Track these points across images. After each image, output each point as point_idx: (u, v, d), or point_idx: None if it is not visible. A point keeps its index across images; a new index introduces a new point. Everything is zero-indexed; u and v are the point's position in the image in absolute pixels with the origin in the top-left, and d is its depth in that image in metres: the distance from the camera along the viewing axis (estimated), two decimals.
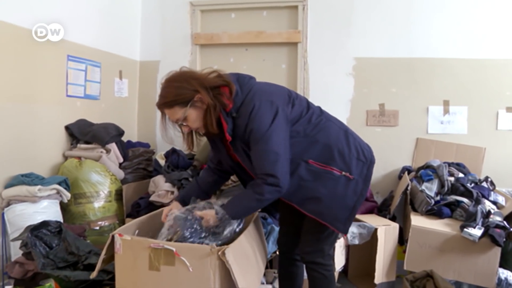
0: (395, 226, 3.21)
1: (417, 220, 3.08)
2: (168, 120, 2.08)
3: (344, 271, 3.32)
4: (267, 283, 2.92)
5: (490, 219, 2.98)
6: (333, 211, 2.07)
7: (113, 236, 2.06)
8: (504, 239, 2.87)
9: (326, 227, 2.12)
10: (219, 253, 1.89)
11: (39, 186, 2.97)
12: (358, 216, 3.32)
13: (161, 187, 3.52)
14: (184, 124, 2.03)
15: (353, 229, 3.05)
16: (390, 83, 4.11)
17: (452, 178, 3.46)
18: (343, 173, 2.05)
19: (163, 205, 3.24)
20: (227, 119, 1.99)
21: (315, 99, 4.16)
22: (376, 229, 3.08)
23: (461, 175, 3.56)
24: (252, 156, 2.00)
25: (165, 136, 2.13)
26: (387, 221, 3.32)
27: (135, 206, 3.53)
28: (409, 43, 4.09)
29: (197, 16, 4.50)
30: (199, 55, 4.52)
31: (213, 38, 4.42)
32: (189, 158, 3.80)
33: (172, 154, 3.78)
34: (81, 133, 3.60)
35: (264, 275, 2.85)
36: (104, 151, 3.59)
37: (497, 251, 2.85)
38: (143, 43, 4.67)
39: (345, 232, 2.19)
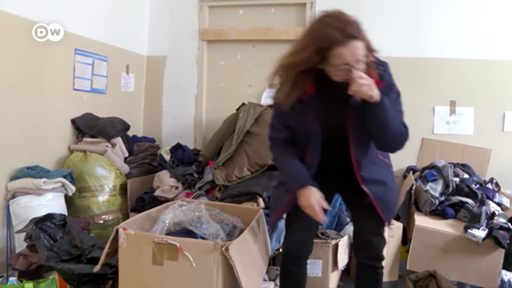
0: (398, 226, 3.21)
1: (421, 220, 3.07)
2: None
3: (347, 269, 3.32)
4: (269, 280, 2.93)
5: (494, 221, 2.97)
6: (390, 200, 2.07)
7: (117, 230, 2.07)
8: (508, 241, 2.85)
9: (383, 225, 2.09)
10: (223, 249, 1.90)
11: (44, 179, 2.99)
12: None
13: (165, 182, 3.53)
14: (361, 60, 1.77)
15: None
16: (397, 82, 4.06)
17: (457, 179, 3.45)
18: (391, 169, 2.13)
19: (167, 200, 3.24)
20: None
21: None
22: None
23: (466, 176, 3.55)
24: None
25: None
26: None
27: (139, 200, 3.54)
28: (417, 42, 4.07)
29: (205, 12, 4.50)
30: (207, 51, 4.52)
31: (221, 34, 4.42)
32: (194, 154, 3.82)
33: (177, 149, 3.80)
34: (87, 127, 3.61)
35: (267, 272, 2.86)
36: (110, 145, 3.60)
37: (500, 253, 2.84)
38: (151, 38, 4.67)
39: (389, 224, 2.17)
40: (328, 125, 1.94)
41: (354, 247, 2.27)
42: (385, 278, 3.08)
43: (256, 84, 4.38)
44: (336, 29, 1.69)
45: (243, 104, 3.83)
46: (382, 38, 4.10)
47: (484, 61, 3.97)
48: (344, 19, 1.73)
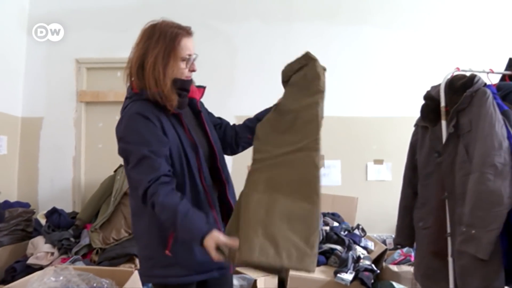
0: (274, 276, 3.36)
1: None
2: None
3: None
4: None
5: (360, 264, 3.25)
6: None
7: None
8: (372, 281, 3.15)
9: None
10: None
11: None
12: (239, 268, 3.42)
13: (40, 248, 3.39)
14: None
15: (234, 281, 3.14)
16: None
17: (327, 228, 3.72)
18: None
19: (41, 268, 3.10)
20: None
21: None
22: (255, 280, 3.19)
23: (335, 224, 3.84)
24: None
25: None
26: None
27: (9, 271, 3.33)
28: None
29: (83, 73, 4.50)
30: (85, 112, 4.50)
31: (99, 96, 4.43)
32: (72, 217, 3.72)
33: (53, 213, 3.67)
34: None
35: None
36: None
37: None
38: (26, 98, 4.53)
39: None
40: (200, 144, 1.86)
41: None
42: None
43: None
44: (177, 27, 1.82)
45: (121, 165, 3.84)
46: (255, 97, 4.40)
47: (348, 117, 4.42)
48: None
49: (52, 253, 3.34)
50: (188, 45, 1.81)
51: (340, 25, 4.52)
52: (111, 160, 4.16)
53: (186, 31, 1.82)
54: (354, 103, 4.46)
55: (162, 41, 1.76)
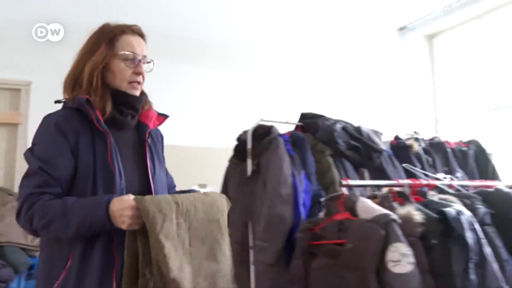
0: None
1: None
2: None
3: None
4: None
5: None
6: None
7: None
8: None
9: None
10: None
11: None
12: None
13: None
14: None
15: None
16: None
17: None
18: None
19: None
20: None
21: None
22: None
23: None
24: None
25: None
26: None
27: None
28: None
29: None
30: None
31: None
32: None
33: None
34: None
35: None
36: None
37: None
38: None
39: None
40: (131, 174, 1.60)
41: None
42: None
43: None
44: (125, 25, 1.65)
45: None
46: None
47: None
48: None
49: None
50: (131, 42, 1.62)
51: (170, 63, 4.98)
52: None
53: (131, 29, 1.64)
54: (184, 133, 5.00)
55: (97, 38, 1.60)
